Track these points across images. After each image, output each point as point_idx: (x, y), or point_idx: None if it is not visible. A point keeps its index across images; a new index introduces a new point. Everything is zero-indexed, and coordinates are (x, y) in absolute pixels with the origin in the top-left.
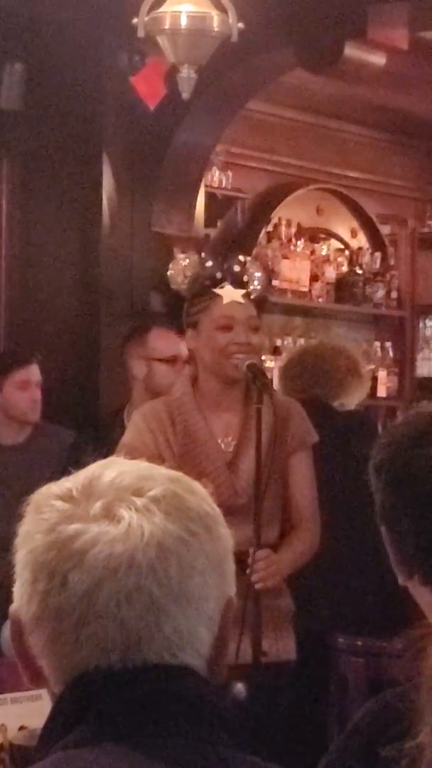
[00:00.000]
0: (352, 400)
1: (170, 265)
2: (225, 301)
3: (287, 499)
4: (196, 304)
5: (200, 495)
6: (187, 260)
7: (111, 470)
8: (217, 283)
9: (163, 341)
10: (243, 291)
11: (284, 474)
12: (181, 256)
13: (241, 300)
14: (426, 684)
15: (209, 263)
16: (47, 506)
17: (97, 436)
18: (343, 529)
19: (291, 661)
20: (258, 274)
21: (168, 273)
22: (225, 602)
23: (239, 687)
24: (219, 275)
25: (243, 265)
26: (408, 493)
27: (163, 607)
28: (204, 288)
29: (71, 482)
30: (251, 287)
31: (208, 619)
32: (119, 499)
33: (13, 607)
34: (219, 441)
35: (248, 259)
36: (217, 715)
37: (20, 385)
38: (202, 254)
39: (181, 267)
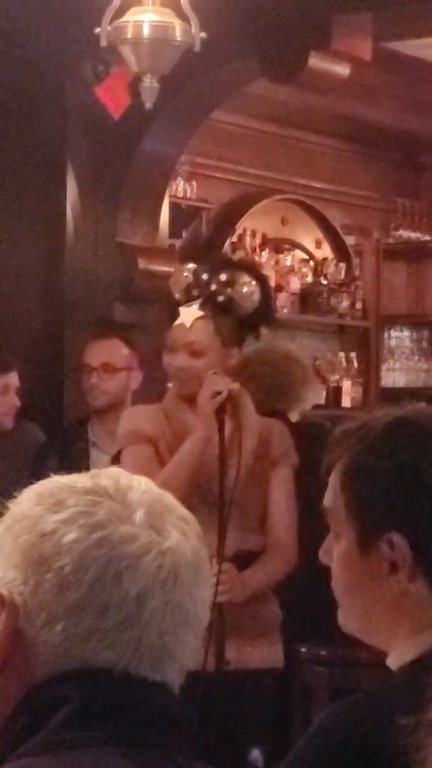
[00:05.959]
0: (308, 405)
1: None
2: (177, 322)
3: (267, 514)
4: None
5: None
6: (182, 275)
7: (125, 476)
8: (191, 300)
9: None
10: (200, 313)
11: (267, 488)
12: (182, 271)
13: (187, 324)
14: None
15: (191, 280)
16: (80, 499)
17: (62, 445)
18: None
19: (277, 669)
20: (251, 292)
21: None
22: None
23: (255, 754)
24: (195, 293)
25: (222, 282)
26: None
27: (192, 626)
28: (175, 306)
29: (93, 479)
30: (241, 307)
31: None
32: (158, 513)
33: (17, 590)
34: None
35: (240, 276)
36: (177, 724)
37: (0, 390)
38: (197, 268)
39: (173, 282)
